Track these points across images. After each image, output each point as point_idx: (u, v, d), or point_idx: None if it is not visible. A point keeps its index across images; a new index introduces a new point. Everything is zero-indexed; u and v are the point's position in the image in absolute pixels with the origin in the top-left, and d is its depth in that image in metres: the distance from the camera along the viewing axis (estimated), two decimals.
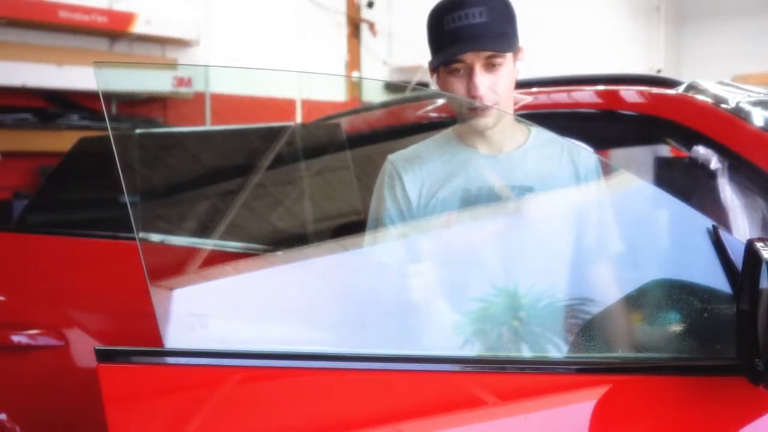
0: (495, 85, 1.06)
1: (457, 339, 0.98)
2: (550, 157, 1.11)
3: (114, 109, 4.21)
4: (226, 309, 1.01)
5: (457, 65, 1.06)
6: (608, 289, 0.97)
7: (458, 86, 1.07)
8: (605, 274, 1.00)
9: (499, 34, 1.05)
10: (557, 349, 0.92)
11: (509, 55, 1.08)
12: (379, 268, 1.05)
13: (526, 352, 0.96)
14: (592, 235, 1.05)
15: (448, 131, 1.17)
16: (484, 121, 1.08)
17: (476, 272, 1.02)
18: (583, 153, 1.09)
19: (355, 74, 5.60)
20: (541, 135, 1.13)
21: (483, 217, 1.05)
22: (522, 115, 1.41)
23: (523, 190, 1.05)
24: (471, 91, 1.05)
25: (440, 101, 1.57)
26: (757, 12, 8.40)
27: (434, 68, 1.11)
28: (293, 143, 1.74)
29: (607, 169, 1.04)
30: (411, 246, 1.11)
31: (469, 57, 1.05)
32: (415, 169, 1.11)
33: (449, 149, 1.13)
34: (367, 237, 1.12)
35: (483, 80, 1.05)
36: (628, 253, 0.99)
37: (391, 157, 1.15)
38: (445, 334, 0.99)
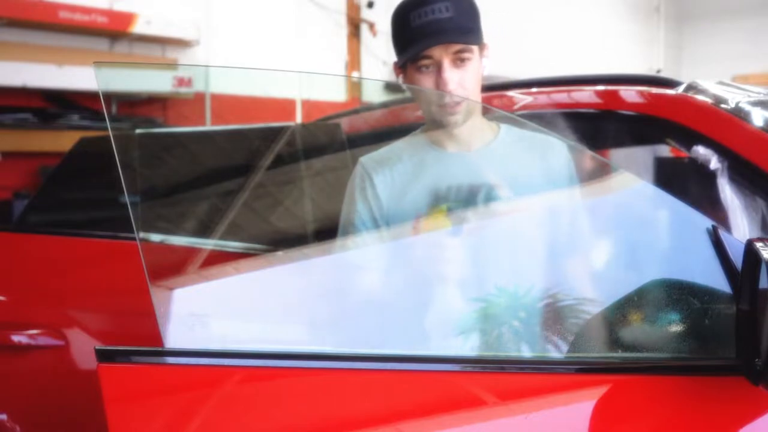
0: (463, 81, 1.06)
1: (444, 337, 0.98)
2: (520, 153, 1.11)
3: (114, 109, 4.22)
4: (226, 309, 1.01)
5: (426, 61, 1.06)
6: (582, 284, 0.97)
7: (427, 83, 1.07)
8: (579, 269, 1.00)
9: (465, 28, 1.06)
10: (536, 346, 0.93)
11: (476, 51, 1.08)
12: (377, 268, 1.05)
13: (525, 352, 0.96)
14: (564, 231, 1.04)
15: (417, 132, 1.17)
16: (454, 118, 1.07)
17: (449, 272, 1.01)
18: (554, 148, 1.09)
19: (355, 74, 5.60)
20: (511, 132, 1.13)
21: (455, 215, 1.05)
22: (522, 116, 1.40)
23: (493, 188, 1.05)
24: (440, 86, 1.05)
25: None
26: (757, 12, 8.39)
27: (401, 66, 1.11)
28: (293, 143, 1.74)
29: (606, 169, 1.04)
30: (391, 249, 1.11)
31: (437, 52, 1.05)
32: (385, 171, 1.11)
33: (418, 149, 1.13)
34: (339, 239, 1.12)
35: (452, 76, 1.05)
36: (627, 252, 0.99)
37: (362, 159, 1.15)
38: (437, 333, 0.99)
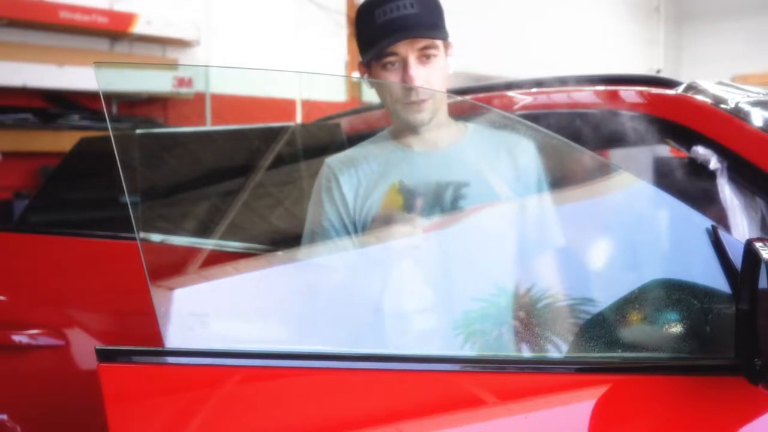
0: (430, 77, 1.06)
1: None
2: (487, 151, 1.10)
3: (114, 110, 4.22)
4: (226, 309, 1.01)
5: (391, 58, 1.06)
6: (552, 281, 0.97)
7: (392, 80, 1.06)
8: (548, 266, 1.00)
9: (431, 24, 1.05)
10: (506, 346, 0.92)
11: (441, 48, 1.08)
12: (378, 267, 1.06)
13: (525, 352, 0.96)
14: (532, 228, 1.04)
15: (383, 132, 1.16)
16: (421, 116, 1.06)
17: (416, 271, 1.01)
18: (522, 145, 1.08)
19: (355, 74, 5.60)
20: (478, 130, 1.12)
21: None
22: (522, 116, 1.40)
23: (459, 186, 1.04)
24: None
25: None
26: (757, 12, 8.40)
27: (366, 63, 1.10)
28: (293, 143, 1.74)
29: (605, 169, 1.04)
30: (382, 250, 1.11)
31: (403, 49, 1.05)
32: (351, 171, 1.10)
33: (385, 149, 1.13)
34: (305, 240, 1.12)
35: (418, 73, 1.05)
36: (627, 252, 0.99)
37: (328, 160, 1.14)
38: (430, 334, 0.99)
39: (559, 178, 1.05)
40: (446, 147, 1.11)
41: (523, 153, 1.08)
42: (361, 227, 1.08)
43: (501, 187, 1.06)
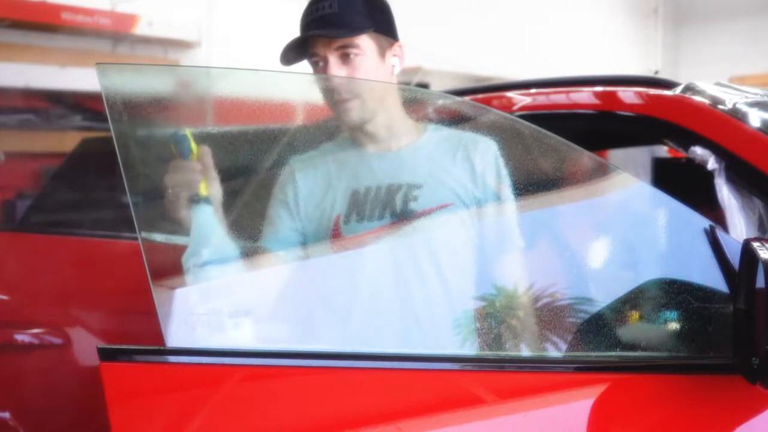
0: (353, 77, 1.05)
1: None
2: (444, 153, 1.08)
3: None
4: (227, 308, 1.02)
5: (314, 58, 1.06)
6: (506, 282, 0.97)
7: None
8: (507, 268, 1.00)
9: (348, 24, 1.04)
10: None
11: (368, 47, 1.06)
12: (378, 267, 1.06)
13: (524, 351, 0.97)
14: (486, 229, 1.04)
15: (345, 133, 1.15)
16: (348, 116, 1.06)
17: (369, 276, 1.01)
18: (480, 147, 1.07)
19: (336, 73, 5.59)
20: (437, 132, 1.11)
21: (370, 218, 1.04)
22: (521, 116, 1.41)
23: (412, 188, 1.04)
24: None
25: (443, 101, 1.57)
26: (754, 13, 8.40)
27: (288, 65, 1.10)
28: (294, 143, 1.74)
29: (603, 169, 1.05)
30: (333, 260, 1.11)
31: (320, 48, 1.05)
32: (309, 170, 1.10)
33: (344, 149, 1.12)
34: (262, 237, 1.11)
35: (339, 73, 1.04)
36: (625, 252, 0.99)
37: (291, 159, 1.14)
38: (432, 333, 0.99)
39: (558, 179, 1.05)
40: (400, 148, 1.10)
41: (482, 154, 1.06)
42: (315, 227, 1.08)
43: (453, 188, 1.05)
